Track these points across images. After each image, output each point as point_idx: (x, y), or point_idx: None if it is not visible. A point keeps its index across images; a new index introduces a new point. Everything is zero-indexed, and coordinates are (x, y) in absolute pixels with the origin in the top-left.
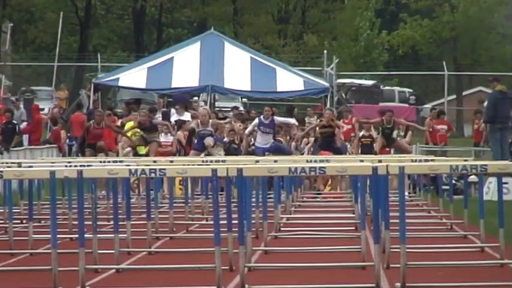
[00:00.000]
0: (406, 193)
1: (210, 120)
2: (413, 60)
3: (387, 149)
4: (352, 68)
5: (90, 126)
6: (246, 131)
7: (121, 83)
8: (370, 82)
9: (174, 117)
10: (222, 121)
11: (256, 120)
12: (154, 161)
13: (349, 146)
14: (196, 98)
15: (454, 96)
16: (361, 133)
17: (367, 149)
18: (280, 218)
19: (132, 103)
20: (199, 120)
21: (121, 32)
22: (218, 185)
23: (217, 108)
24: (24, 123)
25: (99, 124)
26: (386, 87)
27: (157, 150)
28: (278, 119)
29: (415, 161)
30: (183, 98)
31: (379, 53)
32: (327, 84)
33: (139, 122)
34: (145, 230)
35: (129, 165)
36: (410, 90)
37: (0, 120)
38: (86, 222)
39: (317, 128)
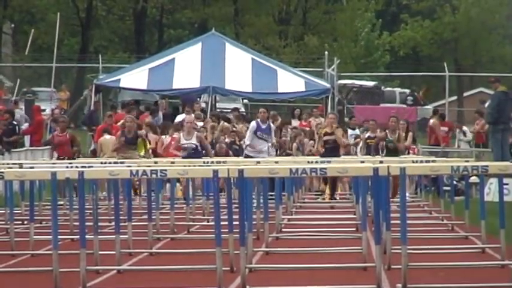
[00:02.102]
0: (407, 194)
1: (196, 133)
2: (414, 61)
3: None
4: (352, 69)
5: (53, 133)
6: (246, 140)
7: (122, 84)
8: (371, 83)
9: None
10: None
11: (254, 124)
12: (156, 162)
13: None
14: (197, 99)
15: (455, 97)
16: (367, 134)
17: (372, 150)
18: (281, 219)
19: (130, 104)
20: (182, 133)
21: (122, 33)
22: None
23: (218, 110)
24: (26, 124)
25: (63, 131)
26: (388, 88)
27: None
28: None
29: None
30: (191, 99)
31: (381, 54)
32: (328, 85)
33: (126, 129)
34: (146, 231)
35: (130, 166)
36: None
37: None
38: (87, 223)
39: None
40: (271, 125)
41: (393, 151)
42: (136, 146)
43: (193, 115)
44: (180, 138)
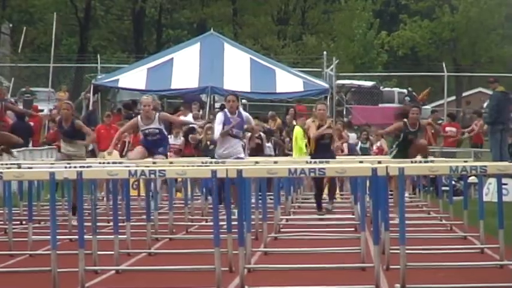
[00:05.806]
0: (406, 194)
1: (157, 114)
2: (413, 61)
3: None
4: (350, 69)
5: None
6: (216, 133)
7: (121, 84)
8: (369, 83)
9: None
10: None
11: (221, 116)
12: (154, 162)
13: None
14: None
15: (453, 98)
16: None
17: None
18: (279, 219)
19: (129, 104)
20: (140, 118)
21: (120, 33)
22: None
23: (217, 109)
24: None
25: None
26: (386, 88)
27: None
28: (248, 116)
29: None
30: (195, 99)
31: (377, 53)
32: (326, 85)
33: (63, 118)
34: (145, 231)
35: (128, 166)
36: (407, 91)
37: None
38: (85, 223)
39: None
40: (243, 115)
41: (412, 144)
42: (76, 138)
43: (151, 97)
44: (138, 123)
